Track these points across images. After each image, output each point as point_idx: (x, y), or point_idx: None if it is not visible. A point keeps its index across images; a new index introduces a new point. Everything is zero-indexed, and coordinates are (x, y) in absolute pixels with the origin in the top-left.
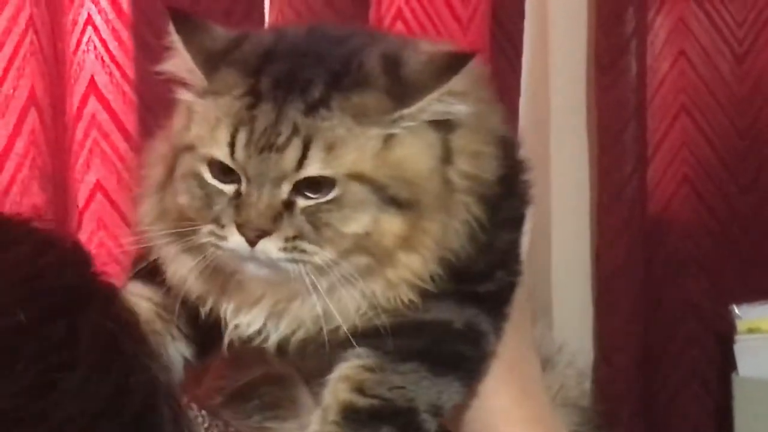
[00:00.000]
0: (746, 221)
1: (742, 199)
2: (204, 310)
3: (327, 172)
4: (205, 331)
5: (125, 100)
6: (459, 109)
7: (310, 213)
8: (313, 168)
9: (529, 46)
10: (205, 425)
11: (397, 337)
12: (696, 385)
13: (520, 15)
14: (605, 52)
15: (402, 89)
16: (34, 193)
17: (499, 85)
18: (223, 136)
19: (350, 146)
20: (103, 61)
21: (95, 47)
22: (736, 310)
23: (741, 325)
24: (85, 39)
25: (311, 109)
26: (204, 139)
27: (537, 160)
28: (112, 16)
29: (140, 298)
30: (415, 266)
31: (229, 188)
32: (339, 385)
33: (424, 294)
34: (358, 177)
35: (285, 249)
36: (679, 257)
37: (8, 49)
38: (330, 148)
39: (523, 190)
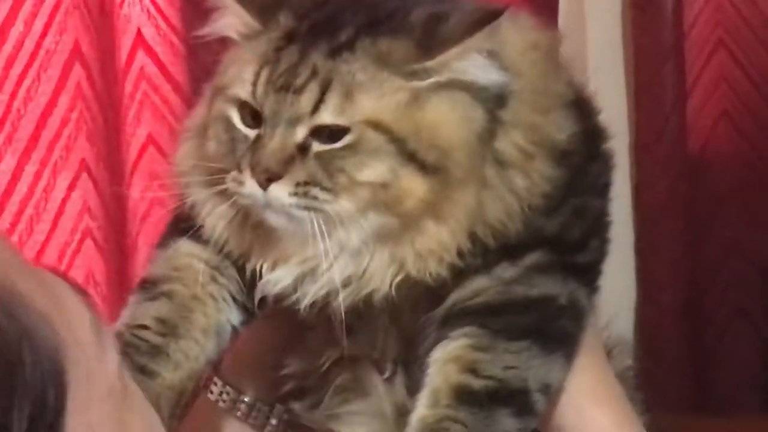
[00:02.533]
0: None
1: None
2: (248, 269)
3: (341, 120)
4: (252, 296)
5: (173, 51)
6: (491, 74)
7: (325, 159)
8: (327, 115)
9: None
10: (218, 395)
11: (505, 315)
12: (742, 321)
13: None
14: None
15: (430, 41)
16: (82, 147)
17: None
18: (248, 74)
19: (371, 93)
20: (149, 12)
21: None
22: None
23: None
24: None
25: (334, 52)
26: (234, 79)
27: None
28: None
29: (195, 258)
30: (442, 238)
31: (252, 133)
32: (448, 366)
33: (529, 268)
34: (375, 125)
35: (296, 194)
36: (720, 193)
37: (49, 3)
38: (348, 93)
39: (605, 155)
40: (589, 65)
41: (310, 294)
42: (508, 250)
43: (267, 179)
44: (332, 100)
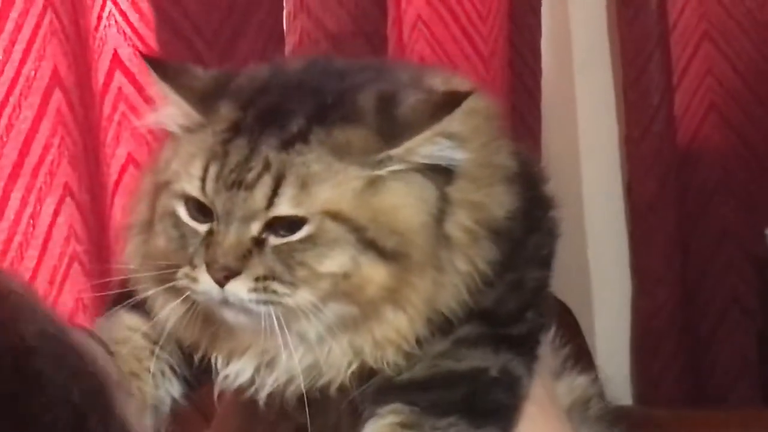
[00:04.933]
0: None
1: None
2: (197, 358)
3: (298, 211)
4: (195, 369)
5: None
6: (455, 154)
7: (283, 252)
8: (284, 207)
9: None
10: None
11: (433, 390)
12: (737, 311)
13: None
14: None
15: (392, 128)
16: (65, 173)
17: (520, 24)
18: (196, 170)
19: (327, 183)
20: (125, 34)
21: (116, 21)
22: None
23: None
24: (105, 13)
25: (287, 144)
26: (179, 174)
27: (562, 99)
28: None
29: (133, 331)
30: (401, 326)
31: (203, 228)
32: None
33: (458, 341)
34: (333, 215)
35: (255, 290)
36: (711, 185)
37: (26, 31)
38: (304, 184)
39: (549, 225)
40: (575, 62)
41: (268, 384)
42: (440, 325)
43: (225, 277)
44: (288, 192)
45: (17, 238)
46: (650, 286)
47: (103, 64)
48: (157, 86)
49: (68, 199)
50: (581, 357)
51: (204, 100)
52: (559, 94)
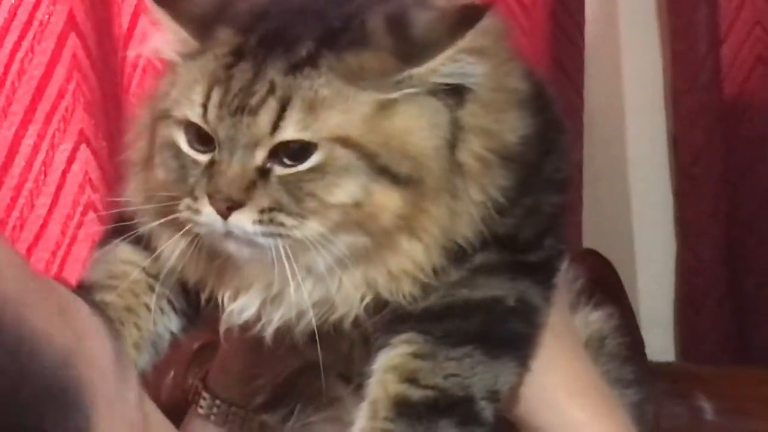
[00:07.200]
0: None
1: None
2: (203, 296)
3: (305, 136)
4: (196, 302)
5: None
6: (475, 69)
7: (290, 182)
8: (290, 131)
9: None
10: (208, 408)
11: (448, 320)
12: None
13: None
14: None
15: (411, 48)
16: (80, 119)
17: None
18: (198, 96)
19: (336, 107)
20: None
21: None
22: None
23: None
24: None
25: (294, 68)
26: (179, 101)
27: (607, 50)
28: None
29: (132, 266)
30: (417, 256)
31: (204, 158)
32: (388, 375)
33: (475, 269)
34: (343, 141)
35: (261, 222)
36: (758, 138)
37: None
38: (311, 109)
39: (563, 147)
40: (620, 10)
41: (275, 320)
42: (456, 254)
43: (228, 208)
44: (294, 115)
45: (28, 185)
46: (695, 241)
47: (127, 8)
48: (153, 12)
49: (83, 147)
50: (623, 313)
51: (202, 26)
52: (603, 44)
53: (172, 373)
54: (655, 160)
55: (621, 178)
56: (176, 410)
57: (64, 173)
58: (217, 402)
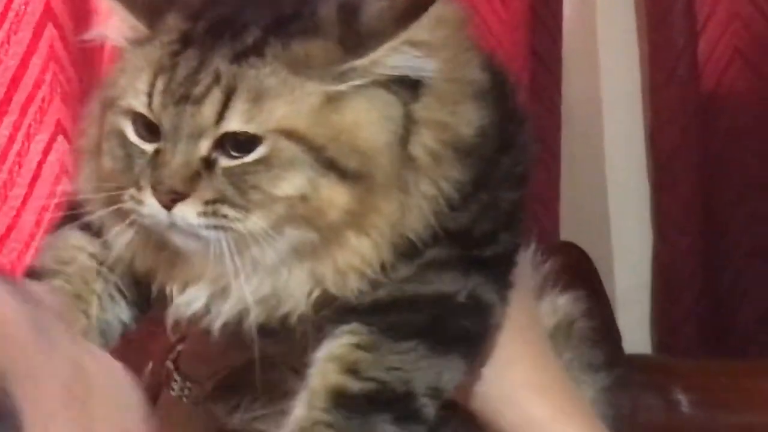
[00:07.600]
0: None
1: None
2: (154, 287)
3: (251, 128)
4: (147, 293)
5: None
6: (424, 65)
7: (235, 174)
8: (235, 122)
9: None
10: (180, 390)
11: (395, 313)
12: (760, 261)
13: None
14: None
15: (355, 38)
16: (57, 110)
17: None
18: (143, 84)
19: (282, 99)
20: None
21: None
22: None
23: None
24: None
25: (239, 57)
26: (126, 89)
27: (585, 43)
28: None
29: (80, 251)
30: (365, 252)
31: (150, 147)
32: (328, 365)
33: (426, 264)
34: (289, 133)
35: (205, 214)
36: (735, 132)
37: None
38: (256, 99)
39: (523, 140)
40: (598, 7)
41: (222, 314)
42: (406, 249)
43: (172, 200)
44: (239, 106)
45: (1, 176)
46: (671, 235)
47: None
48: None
49: (60, 138)
50: (600, 304)
51: (153, 12)
52: (581, 37)
53: (150, 364)
54: (632, 152)
55: (598, 171)
56: (155, 401)
57: (40, 164)
58: (188, 384)
